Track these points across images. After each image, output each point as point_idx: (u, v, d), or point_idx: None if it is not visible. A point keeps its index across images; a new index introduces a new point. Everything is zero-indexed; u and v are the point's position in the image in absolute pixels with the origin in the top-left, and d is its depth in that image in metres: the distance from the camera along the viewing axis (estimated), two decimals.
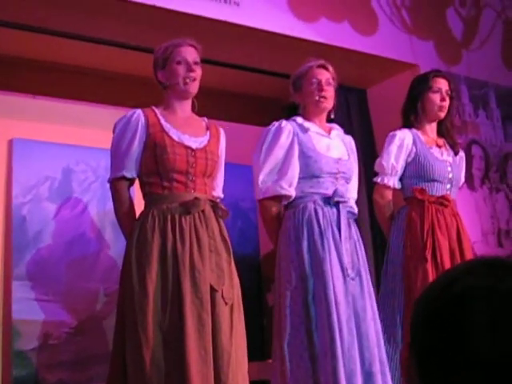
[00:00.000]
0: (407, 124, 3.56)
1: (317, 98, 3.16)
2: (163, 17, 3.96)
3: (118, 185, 2.85)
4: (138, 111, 2.87)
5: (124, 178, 2.83)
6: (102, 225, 4.43)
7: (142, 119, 2.84)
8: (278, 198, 3.13)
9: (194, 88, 2.90)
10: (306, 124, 3.18)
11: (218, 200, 2.99)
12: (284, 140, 3.12)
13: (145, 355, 2.58)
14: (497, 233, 5.07)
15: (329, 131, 3.25)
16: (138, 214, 2.87)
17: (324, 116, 3.26)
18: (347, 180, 3.20)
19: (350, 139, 3.37)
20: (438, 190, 3.48)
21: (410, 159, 3.50)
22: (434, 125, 3.62)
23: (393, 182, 3.48)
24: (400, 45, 4.88)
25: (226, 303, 2.74)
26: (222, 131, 3.06)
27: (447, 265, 3.30)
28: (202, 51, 2.95)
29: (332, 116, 3.27)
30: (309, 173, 3.11)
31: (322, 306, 2.89)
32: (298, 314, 2.93)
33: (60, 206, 4.34)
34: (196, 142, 2.88)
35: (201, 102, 2.96)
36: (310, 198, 3.09)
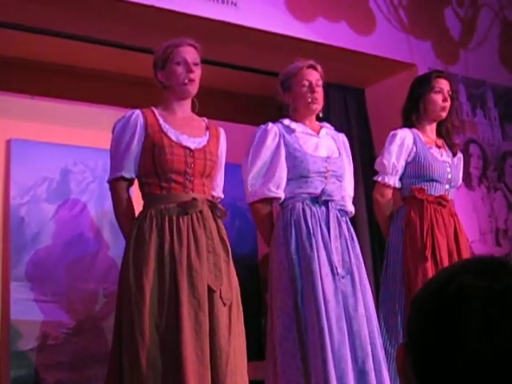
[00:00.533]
0: (408, 124, 3.56)
1: (309, 100, 3.17)
2: (161, 17, 3.96)
3: (117, 185, 2.85)
4: (137, 112, 2.87)
5: (123, 178, 2.84)
6: (101, 225, 4.42)
7: (141, 120, 2.84)
8: (268, 201, 3.14)
9: (193, 89, 2.90)
10: (293, 125, 3.19)
11: (218, 200, 2.99)
12: (270, 142, 3.13)
13: (141, 355, 2.58)
14: (495, 232, 5.07)
15: (318, 130, 3.25)
16: (137, 214, 2.87)
17: (313, 117, 3.27)
18: (338, 178, 3.20)
19: (342, 136, 3.37)
20: (436, 190, 3.49)
21: (409, 159, 3.50)
22: (434, 125, 3.63)
23: (393, 181, 3.49)
24: (398, 44, 4.88)
25: (225, 304, 2.74)
26: (222, 132, 3.06)
27: (446, 264, 3.30)
28: (200, 51, 2.95)
29: (321, 114, 3.28)
30: (297, 173, 3.12)
31: (312, 306, 2.90)
32: (289, 315, 2.94)
33: (58, 207, 4.33)
34: (195, 142, 2.88)
35: (198, 101, 2.96)
36: (299, 198, 3.10)
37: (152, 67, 2.96)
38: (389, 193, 3.52)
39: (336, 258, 3.00)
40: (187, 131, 2.89)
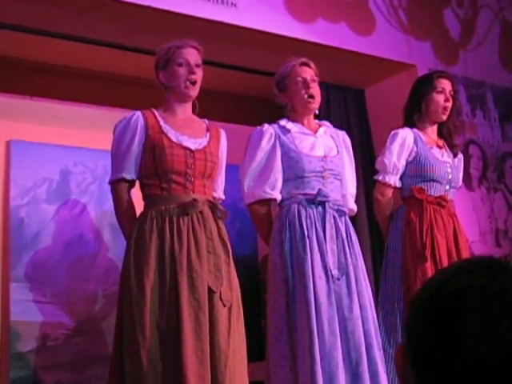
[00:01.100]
0: (409, 123, 3.56)
1: (305, 97, 3.16)
2: (160, 18, 3.96)
3: (117, 186, 2.86)
4: (138, 113, 2.88)
5: (124, 179, 2.84)
6: (101, 226, 4.42)
7: (142, 121, 2.84)
8: (265, 202, 3.14)
9: (194, 91, 2.91)
10: (289, 125, 3.18)
11: (220, 202, 2.99)
12: (265, 143, 3.13)
13: (142, 355, 2.59)
14: (494, 232, 5.07)
15: (316, 129, 3.24)
16: (138, 215, 2.87)
17: (311, 115, 3.25)
18: (336, 177, 3.18)
19: (343, 134, 3.35)
20: (436, 190, 3.49)
21: (410, 158, 3.50)
22: (436, 126, 3.62)
23: (394, 180, 3.49)
24: (397, 45, 4.88)
25: (225, 305, 2.74)
26: (222, 133, 3.06)
27: (445, 264, 3.30)
28: (202, 53, 2.95)
29: (317, 112, 3.27)
30: (293, 174, 3.11)
31: (302, 308, 2.89)
32: (281, 316, 2.94)
33: (58, 208, 4.33)
34: (195, 143, 2.88)
35: (198, 102, 2.97)
36: (295, 199, 3.09)
37: (153, 68, 2.96)
38: (389, 192, 3.52)
39: (331, 260, 2.99)
40: (188, 132, 2.89)
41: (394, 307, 3.35)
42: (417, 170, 3.48)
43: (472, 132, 5.16)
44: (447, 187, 3.53)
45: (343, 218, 3.15)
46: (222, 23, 4.11)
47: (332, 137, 3.27)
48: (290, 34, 4.36)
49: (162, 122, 2.86)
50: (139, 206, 2.89)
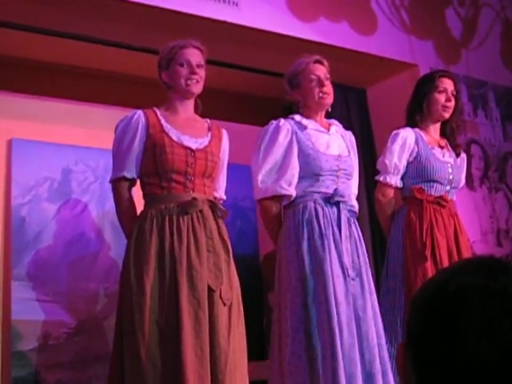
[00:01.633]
0: (411, 123, 3.56)
1: (320, 94, 3.14)
2: (162, 17, 3.96)
3: (118, 185, 2.86)
4: (139, 112, 2.88)
5: (124, 178, 2.84)
6: (102, 225, 4.43)
7: (143, 120, 2.85)
8: (278, 198, 3.09)
9: (196, 88, 2.90)
10: (305, 121, 3.15)
11: (221, 202, 2.99)
12: (282, 139, 3.09)
13: (141, 353, 2.59)
14: (496, 232, 5.07)
15: (328, 127, 3.22)
16: (138, 214, 2.88)
17: (323, 112, 3.23)
18: (348, 177, 3.17)
19: (349, 134, 3.34)
20: (437, 190, 3.49)
21: (411, 158, 3.50)
22: (438, 125, 3.62)
23: (395, 180, 3.49)
24: (399, 44, 4.88)
25: (225, 304, 2.74)
26: (224, 133, 3.06)
27: (446, 264, 3.30)
28: (205, 53, 2.95)
29: (329, 110, 3.25)
30: (309, 171, 3.08)
31: (322, 307, 2.86)
32: (297, 315, 2.90)
33: (59, 207, 4.34)
34: (196, 142, 2.88)
35: (200, 101, 2.97)
36: (311, 197, 3.06)
37: (156, 67, 2.96)
38: (390, 192, 3.52)
39: (347, 260, 2.97)
40: (189, 132, 2.89)
41: (395, 307, 3.35)
42: (417, 170, 3.48)
43: (474, 132, 5.15)
44: (448, 187, 3.53)
45: (353, 219, 3.15)
46: (223, 22, 4.11)
47: (342, 136, 3.27)
48: (291, 33, 4.36)
49: (163, 121, 2.87)
50: (140, 205, 2.90)
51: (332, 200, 3.06)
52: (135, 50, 4.26)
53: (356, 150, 3.33)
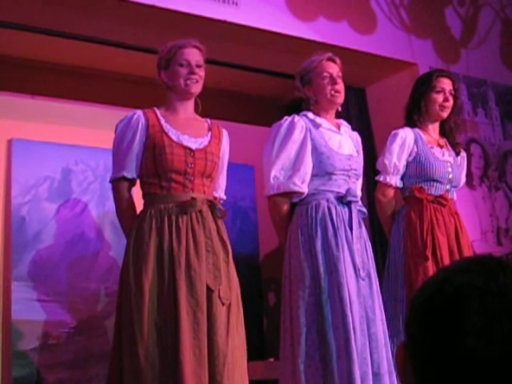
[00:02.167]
0: (410, 123, 3.56)
1: (332, 92, 3.13)
2: (162, 17, 3.96)
3: (118, 185, 2.86)
4: (139, 112, 2.88)
5: (124, 178, 2.85)
6: (102, 225, 4.43)
7: (143, 120, 2.85)
8: (289, 195, 3.07)
9: (195, 88, 2.90)
10: (318, 119, 3.13)
11: (221, 202, 2.99)
12: (297, 135, 3.06)
13: (140, 353, 2.59)
14: (496, 231, 5.07)
15: (338, 127, 3.21)
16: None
17: (334, 111, 3.22)
18: (357, 177, 3.17)
19: (356, 135, 3.33)
20: (437, 189, 3.49)
21: (410, 158, 3.50)
22: (437, 124, 3.62)
23: (395, 180, 3.49)
24: (399, 44, 4.88)
25: (223, 304, 2.73)
26: (224, 133, 3.05)
27: (447, 263, 3.30)
28: (205, 53, 2.95)
29: (339, 109, 3.24)
30: (322, 170, 3.06)
31: (337, 306, 2.84)
32: (310, 314, 2.88)
33: (59, 206, 4.34)
34: (196, 142, 2.88)
35: (199, 101, 2.97)
36: (323, 195, 3.04)
37: (155, 67, 2.96)
38: (390, 192, 3.52)
39: (358, 260, 2.97)
40: (189, 131, 2.89)
41: (397, 306, 3.35)
42: (417, 169, 3.48)
43: (473, 131, 5.15)
44: (448, 186, 3.53)
45: (362, 220, 3.15)
46: (223, 22, 4.11)
47: (351, 137, 3.26)
48: (291, 33, 4.36)
49: (163, 121, 2.87)
50: (140, 205, 2.90)
51: (344, 200, 3.04)
52: (135, 50, 4.26)
53: (362, 152, 3.33)
